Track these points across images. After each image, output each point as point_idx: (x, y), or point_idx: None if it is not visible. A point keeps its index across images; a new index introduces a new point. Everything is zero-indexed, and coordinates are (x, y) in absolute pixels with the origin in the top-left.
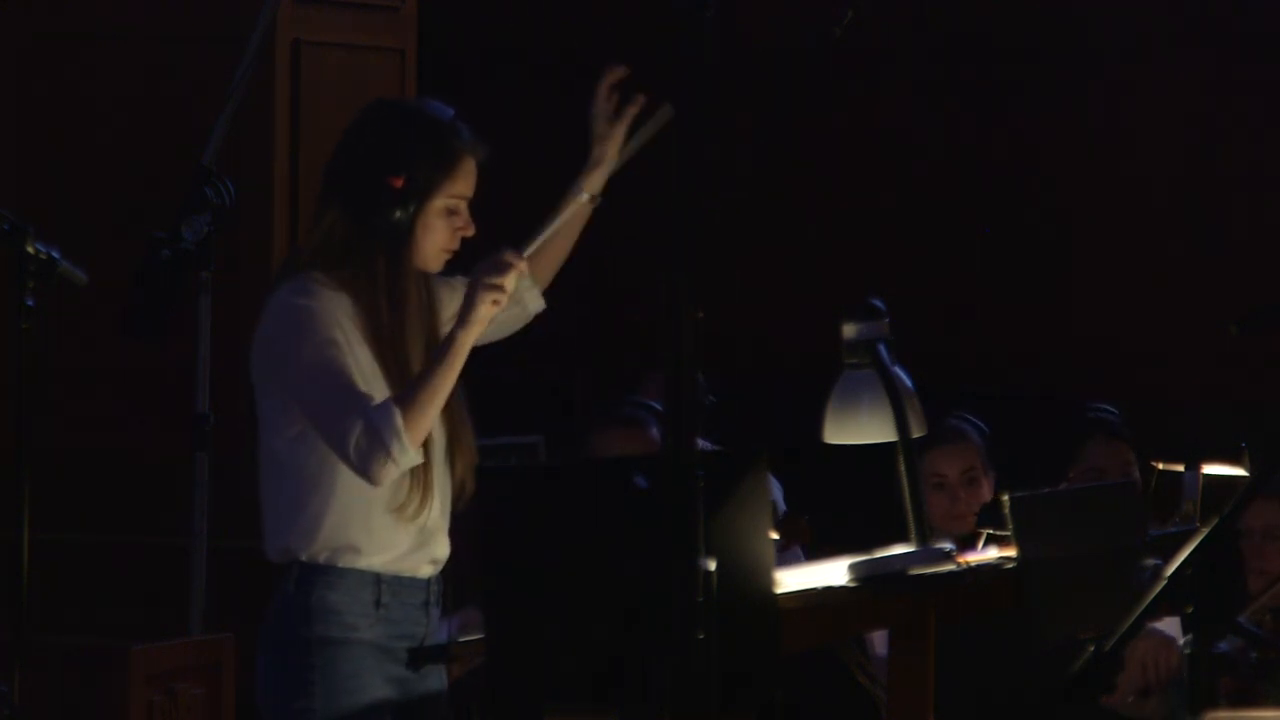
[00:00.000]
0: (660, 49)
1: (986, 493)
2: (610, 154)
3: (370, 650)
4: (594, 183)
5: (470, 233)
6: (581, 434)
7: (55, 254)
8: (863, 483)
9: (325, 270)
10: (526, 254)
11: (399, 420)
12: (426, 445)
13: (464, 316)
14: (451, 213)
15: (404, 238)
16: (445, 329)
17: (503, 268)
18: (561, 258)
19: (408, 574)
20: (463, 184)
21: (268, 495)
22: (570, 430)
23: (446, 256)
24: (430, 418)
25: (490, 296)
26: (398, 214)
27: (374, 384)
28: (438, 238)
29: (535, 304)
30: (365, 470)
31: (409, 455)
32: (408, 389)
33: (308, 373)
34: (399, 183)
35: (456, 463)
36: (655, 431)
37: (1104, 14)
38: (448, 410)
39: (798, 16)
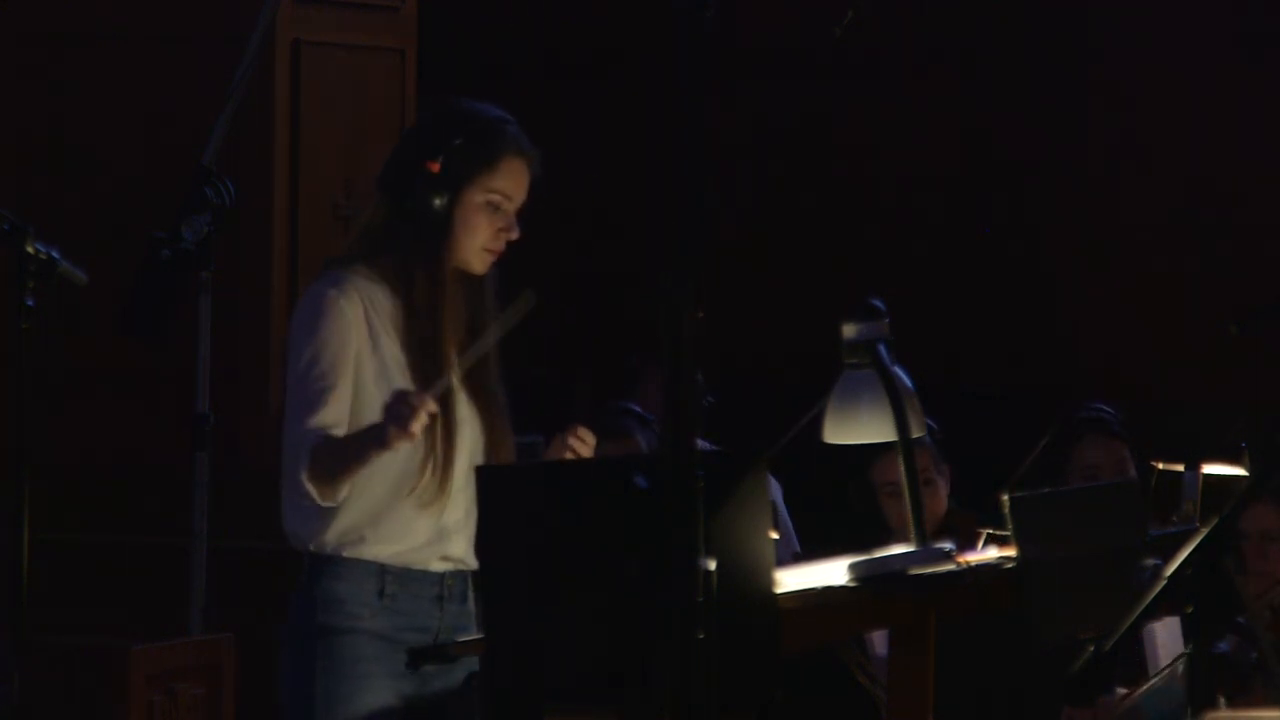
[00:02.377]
0: (660, 49)
1: (943, 493)
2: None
3: (374, 640)
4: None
5: (513, 236)
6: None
7: (55, 254)
8: (863, 483)
9: (366, 260)
10: (435, 393)
11: (307, 464)
12: (454, 440)
13: (378, 438)
14: (493, 209)
15: (441, 228)
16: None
17: (414, 412)
18: None
19: (418, 567)
20: (504, 181)
21: (285, 484)
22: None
23: (490, 257)
24: (332, 482)
25: (400, 437)
26: (435, 201)
27: (397, 378)
28: (478, 235)
29: None
30: (286, 487)
31: (313, 498)
32: (334, 445)
33: (304, 365)
34: (435, 167)
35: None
36: (641, 439)
37: (1104, 14)
38: (486, 411)
39: (798, 16)
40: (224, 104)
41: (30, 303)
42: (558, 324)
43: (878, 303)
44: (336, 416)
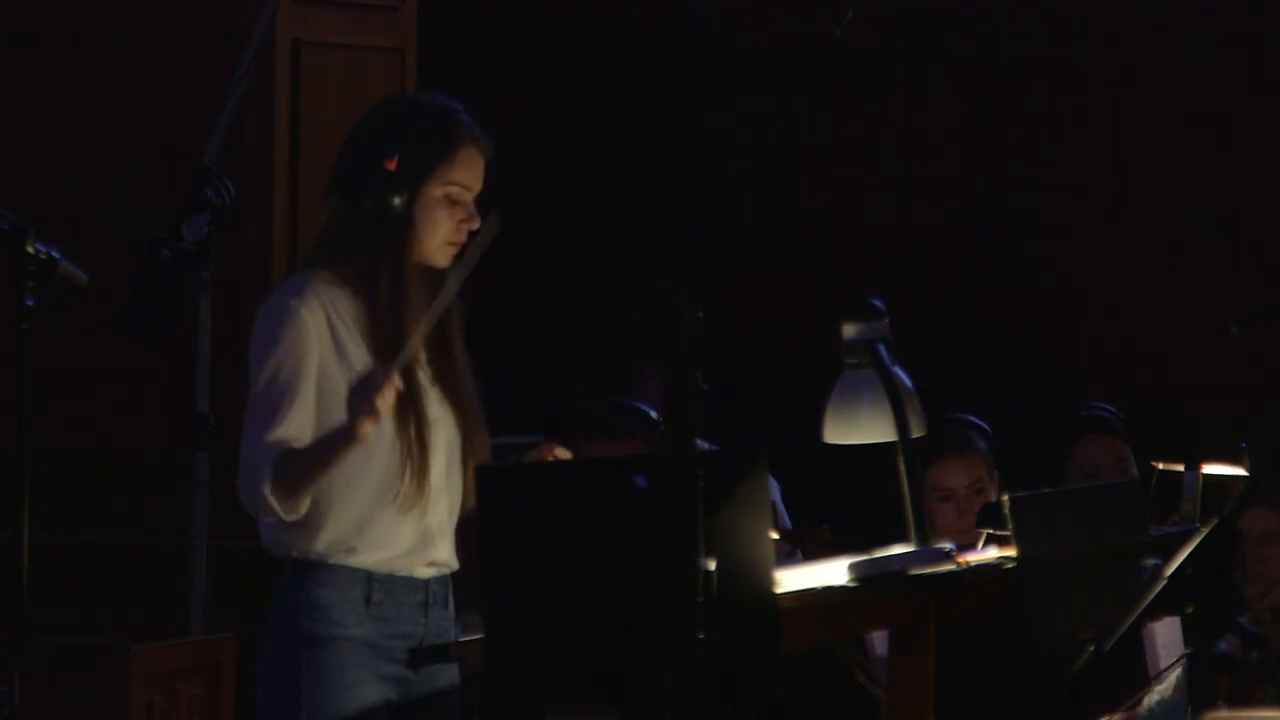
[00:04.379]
0: (660, 49)
1: (994, 499)
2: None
3: (360, 647)
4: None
5: (475, 225)
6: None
7: (55, 254)
8: (862, 483)
9: (327, 264)
10: (397, 366)
11: (270, 477)
12: (427, 441)
13: (348, 432)
14: (453, 202)
15: (403, 226)
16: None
17: (377, 387)
18: None
19: (403, 573)
20: (461, 172)
21: (245, 500)
22: (571, 430)
23: (452, 250)
24: (296, 493)
25: (368, 420)
26: (394, 200)
27: None
28: (439, 229)
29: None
30: (245, 504)
31: (277, 513)
32: (297, 454)
33: (264, 380)
34: (392, 165)
35: (469, 463)
36: (645, 439)
37: (1104, 13)
38: (460, 409)
39: (798, 16)
40: (224, 104)
41: (30, 303)
42: (558, 324)
43: (878, 303)
44: (298, 430)
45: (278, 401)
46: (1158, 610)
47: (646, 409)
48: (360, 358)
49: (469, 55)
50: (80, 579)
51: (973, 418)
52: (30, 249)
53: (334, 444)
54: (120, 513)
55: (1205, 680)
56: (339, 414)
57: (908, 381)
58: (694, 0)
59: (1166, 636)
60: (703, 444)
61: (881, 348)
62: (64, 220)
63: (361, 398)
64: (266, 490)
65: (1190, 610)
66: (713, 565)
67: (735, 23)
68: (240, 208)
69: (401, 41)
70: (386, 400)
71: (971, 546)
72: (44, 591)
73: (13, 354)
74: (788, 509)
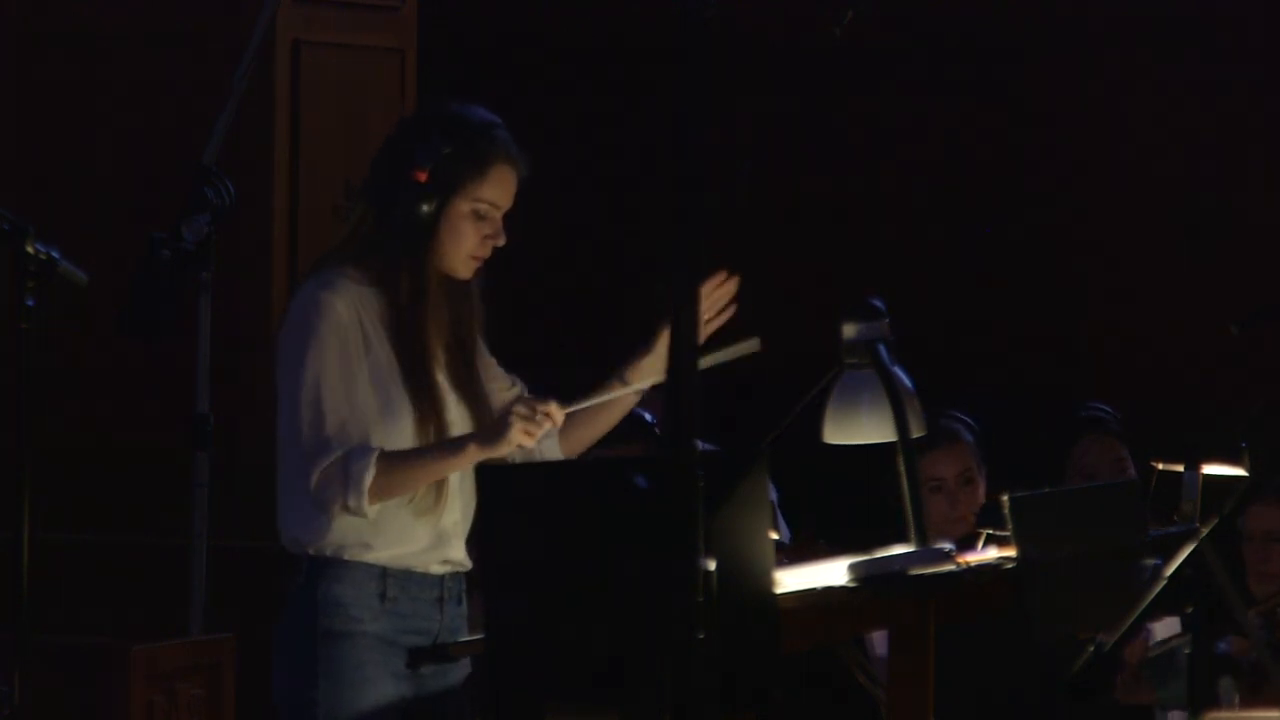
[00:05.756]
0: (661, 48)
1: (981, 492)
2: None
3: (376, 643)
4: (643, 375)
5: (501, 242)
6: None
7: (55, 254)
8: (863, 483)
9: (354, 264)
10: (568, 411)
11: (370, 476)
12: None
13: (488, 437)
14: (480, 218)
15: (427, 235)
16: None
17: (541, 419)
18: (598, 433)
19: (419, 570)
20: (492, 190)
21: (282, 486)
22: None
23: (475, 264)
24: (398, 493)
25: (519, 440)
26: (422, 209)
27: (390, 383)
28: (464, 242)
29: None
30: (318, 501)
31: (363, 510)
32: (401, 453)
33: (308, 378)
34: (423, 177)
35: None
36: (646, 446)
37: (1103, 13)
38: (476, 412)
39: (798, 16)
40: (224, 104)
41: (30, 303)
42: (558, 324)
43: (878, 303)
44: (367, 428)
45: (338, 402)
46: (1158, 610)
47: (644, 414)
48: (385, 355)
49: (469, 55)
50: (80, 579)
51: (957, 413)
52: (30, 249)
53: (457, 449)
54: (120, 513)
55: (1205, 680)
56: (368, 410)
57: (908, 381)
58: (694, 0)
59: (1166, 636)
60: (702, 444)
61: (881, 348)
62: (64, 220)
63: (528, 423)
64: (367, 490)
65: (1190, 610)
66: (713, 565)
67: (735, 23)
68: (240, 208)
69: (401, 41)
70: (536, 433)
71: (964, 536)
72: (44, 591)
73: (13, 354)
74: (786, 514)
